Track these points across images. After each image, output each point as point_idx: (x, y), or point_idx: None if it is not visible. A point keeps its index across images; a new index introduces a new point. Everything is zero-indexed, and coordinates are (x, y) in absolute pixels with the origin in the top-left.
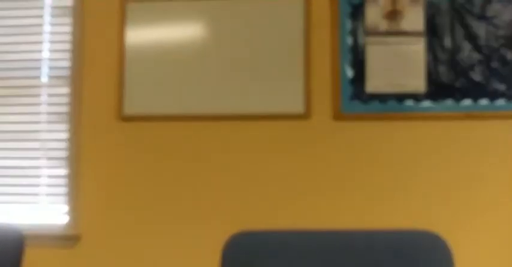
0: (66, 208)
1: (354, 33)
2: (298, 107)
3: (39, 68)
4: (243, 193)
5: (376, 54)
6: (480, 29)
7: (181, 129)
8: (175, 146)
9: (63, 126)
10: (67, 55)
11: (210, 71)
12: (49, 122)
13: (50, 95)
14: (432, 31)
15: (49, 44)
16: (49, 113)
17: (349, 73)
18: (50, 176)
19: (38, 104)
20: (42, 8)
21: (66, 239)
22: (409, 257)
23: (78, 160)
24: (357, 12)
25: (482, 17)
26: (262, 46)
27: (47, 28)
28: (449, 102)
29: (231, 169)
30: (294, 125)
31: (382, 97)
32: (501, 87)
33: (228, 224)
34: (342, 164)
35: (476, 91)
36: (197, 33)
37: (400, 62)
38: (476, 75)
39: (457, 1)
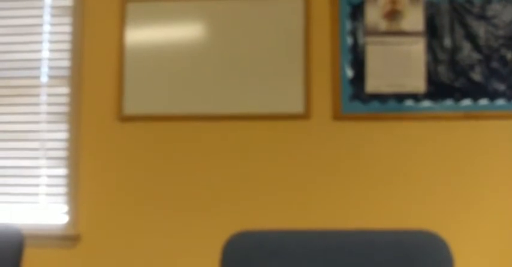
0: (65, 207)
1: (353, 33)
2: (298, 107)
3: (39, 68)
4: (243, 193)
5: (376, 54)
6: (480, 29)
7: (181, 129)
8: (175, 146)
9: (63, 126)
10: (67, 55)
11: (209, 71)
12: (49, 122)
13: (50, 95)
14: (432, 31)
15: (49, 43)
16: (49, 113)
17: (349, 73)
18: (49, 176)
19: (38, 104)
20: (41, 8)
21: (66, 239)
22: (409, 257)
23: (77, 160)
24: (356, 12)
25: (482, 17)
26: (262, 47)
27: (46, 28)
28: (449, 102)
29: (231, 169)
30: (294, 125)
31: (382, 97)
32: (501, 87)
33: (228, 224)
34: (342, 164)
35: (476, 91)
36: (197, 33)
37: (400, 62)
38: (476, 75)
39: (456, 1)
